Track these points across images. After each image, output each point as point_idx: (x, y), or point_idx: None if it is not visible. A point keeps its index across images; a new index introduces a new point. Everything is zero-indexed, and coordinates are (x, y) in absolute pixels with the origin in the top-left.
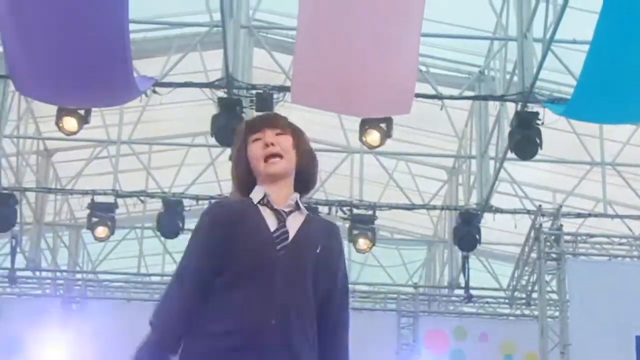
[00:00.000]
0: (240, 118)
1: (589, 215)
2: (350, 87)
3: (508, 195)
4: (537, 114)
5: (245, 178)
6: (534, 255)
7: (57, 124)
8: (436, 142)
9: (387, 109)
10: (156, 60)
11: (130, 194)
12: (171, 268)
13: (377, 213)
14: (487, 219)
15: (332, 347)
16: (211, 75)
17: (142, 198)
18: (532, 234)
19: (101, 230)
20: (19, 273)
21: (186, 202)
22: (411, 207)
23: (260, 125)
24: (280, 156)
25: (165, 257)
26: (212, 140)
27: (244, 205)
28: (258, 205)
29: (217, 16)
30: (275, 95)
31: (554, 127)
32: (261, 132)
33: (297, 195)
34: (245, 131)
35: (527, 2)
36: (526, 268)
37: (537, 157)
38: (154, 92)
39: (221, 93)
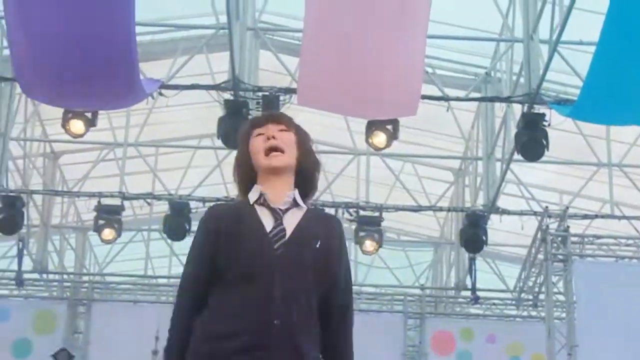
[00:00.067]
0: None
1: (596, 216)
2: (356, 89)
3: (515, 197)
4: (543, 115)
5: (245, 176)
6: (540, 256)
7: (63, 126)
8: (443, 143)
9: (393, 111)
10: (162, 62)
11: (137, 197)
12: (178, 270)
13: (384, 215)
14: (494, 221)
15: (337, 341)
16: (217, 78)
17: (148, 200)
18: (538, 236)
19: (108, 233)
20: (26, 275)
21: (193, 204)
22: (418, 209)
23: (264, 121)
24: (282, 150)
25: (172, 260)
26: (219, 143)
27: (240, 206)
28: (255, 205)
29: (223, 18)
30: (281, 97)
31: (561, 129)
32: (264, 127)
33: (294, 192)
34: (249, 127)
35: (534, 4)
36: (533, 269)
37: (543, 158)
38: (161, 94)
39: (227, 95)
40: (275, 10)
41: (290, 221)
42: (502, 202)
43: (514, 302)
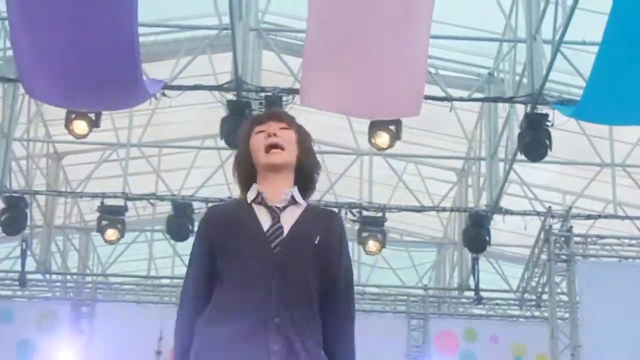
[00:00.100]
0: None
1: (599, 216)
2: (359, 89)
3: (518, 197)
4: (546, 115)
5: (246, 174)
6: (543, 256)
7: (66, 127)
8: (446, 144)
9: (396, 111)
10: (165, 63)
11: (140, 197)
12: (181, 271)
13: (387, 215)
14: (497, 221)
15: (338, 339)
16: (220, 78)
17: (151, 201)
18: (542, 236)
19: (111, 233)
20: (29, 276)
21: (196, 204)
22: (421, 209)
23: (266, 118)
24: (282, 148)
25: (175, 260)
26: (222, 143)
27: (237, 206)
28: (252, 204)
29: (226, 19)
30: (284, 98)
31: (564, 129)
32: (266, 124)
33: (293, 190)
34: (250, 125)
35: (536, 4)
36: (536, 270)
37: (546, 158)
38: (164, 95)
39: (230, 96)
40: (278, 11)
41: (288, 219)
42: (505, 203)
43: (517, 303)
